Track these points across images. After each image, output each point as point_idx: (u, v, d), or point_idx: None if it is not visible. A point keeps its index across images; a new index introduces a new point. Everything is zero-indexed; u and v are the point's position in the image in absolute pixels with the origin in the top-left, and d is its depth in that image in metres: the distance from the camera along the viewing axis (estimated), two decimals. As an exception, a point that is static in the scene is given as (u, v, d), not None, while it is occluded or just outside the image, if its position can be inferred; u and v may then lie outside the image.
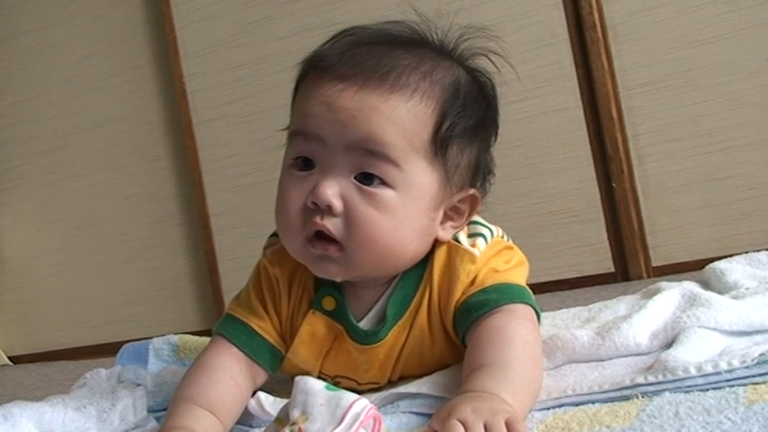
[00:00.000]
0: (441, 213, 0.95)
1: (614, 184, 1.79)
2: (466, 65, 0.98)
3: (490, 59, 0.99)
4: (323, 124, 0.90)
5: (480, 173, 0.99)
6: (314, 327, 0.98)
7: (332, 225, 0.90)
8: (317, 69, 0.93)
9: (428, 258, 0.98)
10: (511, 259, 1.00)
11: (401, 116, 0.89)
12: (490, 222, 1.04)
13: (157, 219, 2.30)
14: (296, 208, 0.92)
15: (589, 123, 1.80)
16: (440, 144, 0.92)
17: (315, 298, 0.99)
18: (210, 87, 2.18)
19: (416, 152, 0.90)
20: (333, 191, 0.89)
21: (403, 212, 0.90)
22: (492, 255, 0.98)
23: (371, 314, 0.99)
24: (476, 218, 1.03)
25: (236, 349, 0.97)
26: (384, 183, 0.90)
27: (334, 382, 1.01)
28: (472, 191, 0.97)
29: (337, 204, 0.89)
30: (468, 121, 0.94)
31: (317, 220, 0.90)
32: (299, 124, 0.94)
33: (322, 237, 0.91)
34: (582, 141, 1.81)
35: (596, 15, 1.78)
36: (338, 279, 0.95)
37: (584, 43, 1.80)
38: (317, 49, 0.96)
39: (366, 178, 0.90)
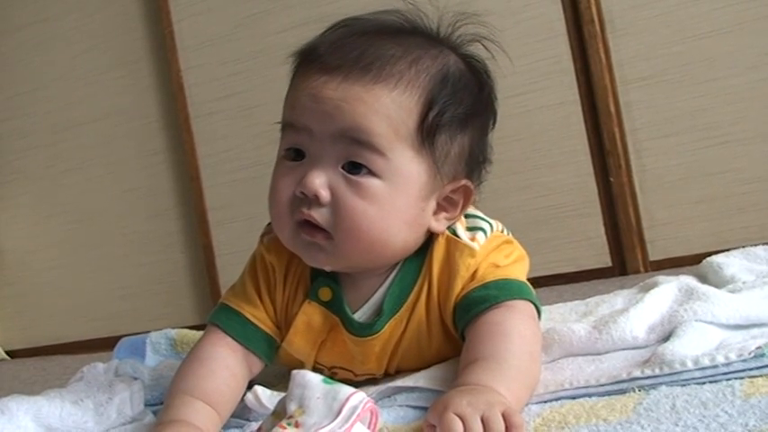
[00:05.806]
0: (432, 204, 0.95)
1: (612, 179, 1.79)
2: (459, 51, 0.97)
3: (485, 47, 0.99)
4: (310, 115, 0.91)
5: (474, 162, 0.98)
6: (309, 317, 0.98)
7: (319, 215, 0.90)
8: (306, 62, 0.94)
9: (426, 251, 0.97)
10: (511, 254, 1.00)
11: (385, 105, 0.89)
12: (488, 216, 1.04)
13: (155, 213, 2.29)
14: (285, 197, 0.92)
15: (587, 118, 1.80)
16: (426, 133, 0.91)
17: (311, 288, 0.99)
18: (208, 81, 2.17)
19: (402, 141, 0.90)
20: (320, 180, 0.90)
21: (390, 202, 0.90)
22: (492, 249, 0.98)
23: (368, 306, 0.98)
24: (475, 212, 1.02)
25: (230, 339, 0.97)
26: (371, 172, 0.90)
27: (331, 372, 1.01)
28: (464, 181, 0.96)
29: (324, 194, 0.90)
30: (458, 109, 0.93)
31: (305, 209, 0.91)
32: (288, 116, 0.95)
33: (310, 224, 0.91)
34: (579, 136, 1.81)
35: (594, 9, 1.78)
36: (327, 268, 0.96)
37: (581, 37, 1.80)
38: (309, 41, 0.97)
39: (354, 168, 0.90)
